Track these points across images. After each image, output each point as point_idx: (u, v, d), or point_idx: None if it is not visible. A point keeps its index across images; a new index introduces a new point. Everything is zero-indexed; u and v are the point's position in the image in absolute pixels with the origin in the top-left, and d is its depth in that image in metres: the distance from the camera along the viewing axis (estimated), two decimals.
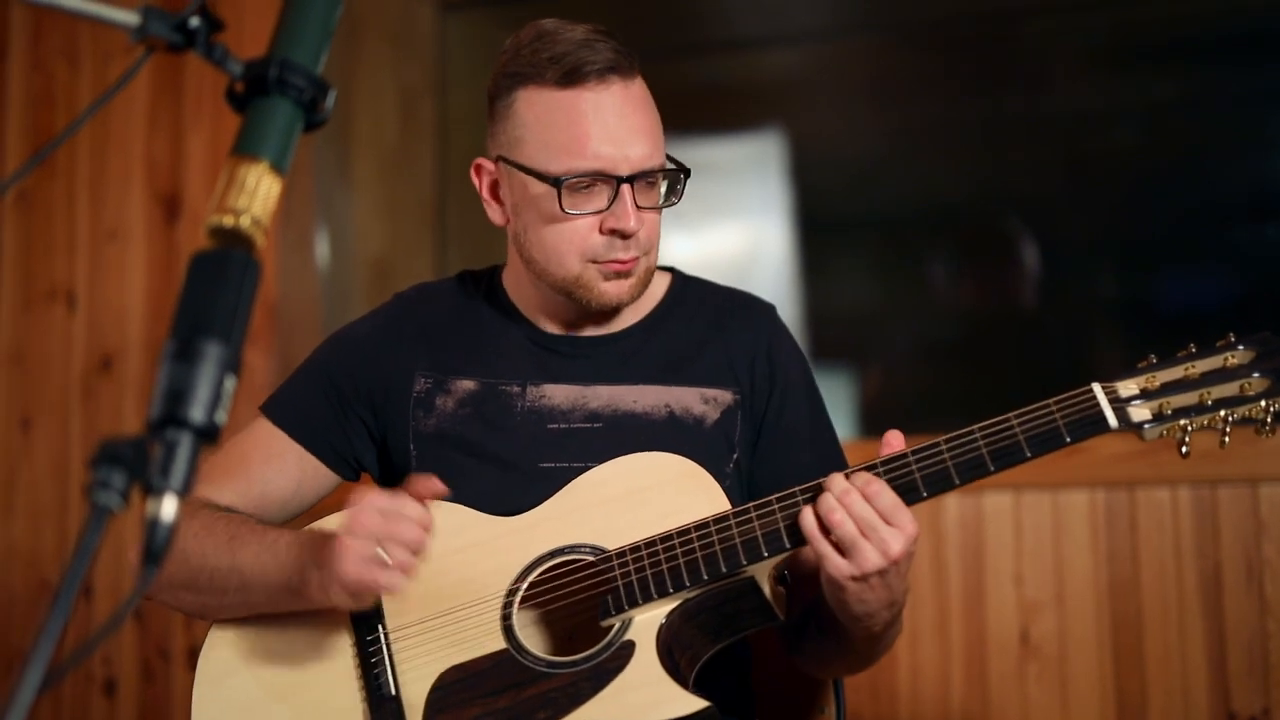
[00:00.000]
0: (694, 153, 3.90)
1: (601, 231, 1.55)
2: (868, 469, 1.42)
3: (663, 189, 1.59)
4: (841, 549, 1.37)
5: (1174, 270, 3.23)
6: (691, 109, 3.39)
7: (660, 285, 1.72)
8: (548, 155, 1.54)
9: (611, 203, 1.54)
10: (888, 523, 1.37)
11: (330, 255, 3.22)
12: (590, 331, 1.67)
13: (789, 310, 3.27)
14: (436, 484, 1.44)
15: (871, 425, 3.15)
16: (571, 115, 1.53)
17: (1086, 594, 2.53)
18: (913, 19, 3.44)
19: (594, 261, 1.57)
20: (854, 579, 1.38)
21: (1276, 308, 3.00)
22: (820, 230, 3.44)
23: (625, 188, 1.53)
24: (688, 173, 1.59)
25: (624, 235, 1.55)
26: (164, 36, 0.94)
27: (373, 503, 1.41)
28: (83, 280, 3.07)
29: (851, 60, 3.53)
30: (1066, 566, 2.54)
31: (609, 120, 1.53)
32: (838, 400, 3.19)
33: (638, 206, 1.55)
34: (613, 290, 1.58)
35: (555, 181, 1.53)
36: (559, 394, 1.63)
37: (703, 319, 1.70)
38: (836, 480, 1.39)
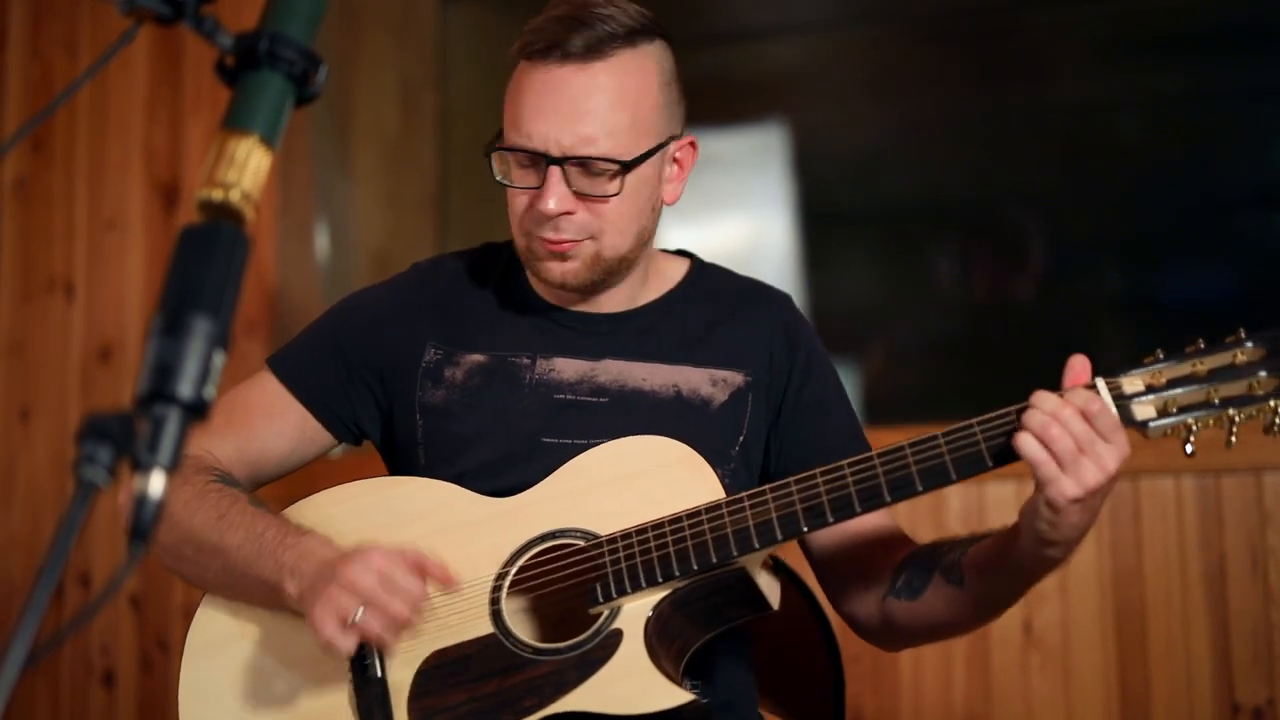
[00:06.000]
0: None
1: (529, 210, 1.55)
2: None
3: (624, 178, 1.52)
4: (1061, 466, 1.32)
5: (1178, 263, 3.22)
6: (694, 101, 3.38)
7: (678, 270, 1.70)
8: (505, 126, 1.56)
9: (542, 182, 1.52)
10: (1105, 439, 1.33)
11: (330, 246, 3.21)
12: (606, 309, 1.65)
13: None
14: (449, 574, 1.43)
15: (874, 418, 3.13)
16: (520, 89, 1.53)
17: (1090, 584, 2.51)
18: (916, 11, 3.44)
19: (529, 236, 1.56)
20: (1075, 500, 1.32)
21: None
22: (823, 223, 3.44)
23: (553, 169, 1.50)
24: (626, 166, 1.52)
25: (544, 216, 1.52)
26: (152, 8, 0.93)
27: (373, 562, 1.39)
28: (81, 270, 3.06)
29: (855, 53, 3.53)
30: None
31: (553, 100, 1.50)
32: None
33: (576, 191, 1.51)
34: (554, 269, 1.56)
35: (487, 151, 1.54)
36: (568, 368, 1.61)
37: (718, 303, 1.68)
38: (1048, 398, 1.35)
